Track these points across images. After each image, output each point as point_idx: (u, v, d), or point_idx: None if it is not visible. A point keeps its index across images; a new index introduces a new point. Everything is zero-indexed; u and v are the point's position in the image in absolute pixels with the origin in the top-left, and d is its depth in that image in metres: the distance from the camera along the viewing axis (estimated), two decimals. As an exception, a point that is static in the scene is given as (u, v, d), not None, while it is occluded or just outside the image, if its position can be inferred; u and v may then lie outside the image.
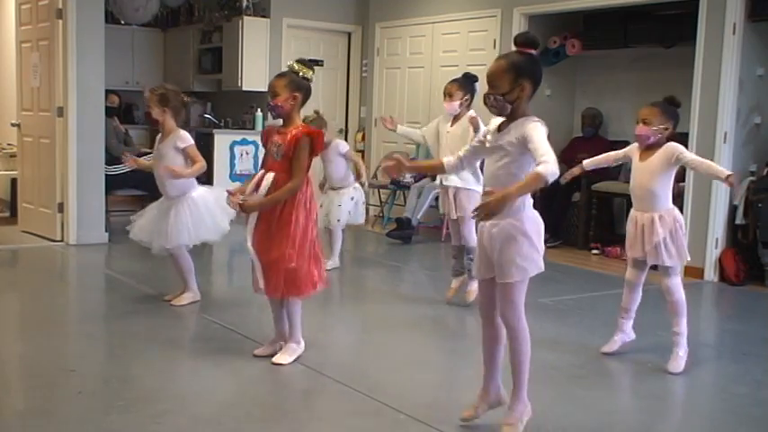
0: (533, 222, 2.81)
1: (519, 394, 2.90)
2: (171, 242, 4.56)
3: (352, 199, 5.82)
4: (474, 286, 4.76)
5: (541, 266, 2.83)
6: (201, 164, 4.53)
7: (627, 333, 4.03)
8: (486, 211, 2.58)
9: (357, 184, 5.92)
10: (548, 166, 2.57)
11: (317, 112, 5.63)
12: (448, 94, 4.89)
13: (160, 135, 4.66)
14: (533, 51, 2.78)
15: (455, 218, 4.85)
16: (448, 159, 3.06)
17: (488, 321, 2.93)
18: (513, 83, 2.73)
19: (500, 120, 2.83)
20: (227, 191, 3.69)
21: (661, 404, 3.59)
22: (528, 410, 2.92)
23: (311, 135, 3.58)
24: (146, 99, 4.60)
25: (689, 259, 3.90)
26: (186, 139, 4.55)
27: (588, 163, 4.13)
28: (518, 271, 2.77)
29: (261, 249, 3.61)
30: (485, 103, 2.80)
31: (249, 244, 3.60)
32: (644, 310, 4.14)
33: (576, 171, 4.14)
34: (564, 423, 3.15)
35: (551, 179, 2.58)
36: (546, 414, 3.20)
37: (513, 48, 2.82)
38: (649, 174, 3.79)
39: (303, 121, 5.53)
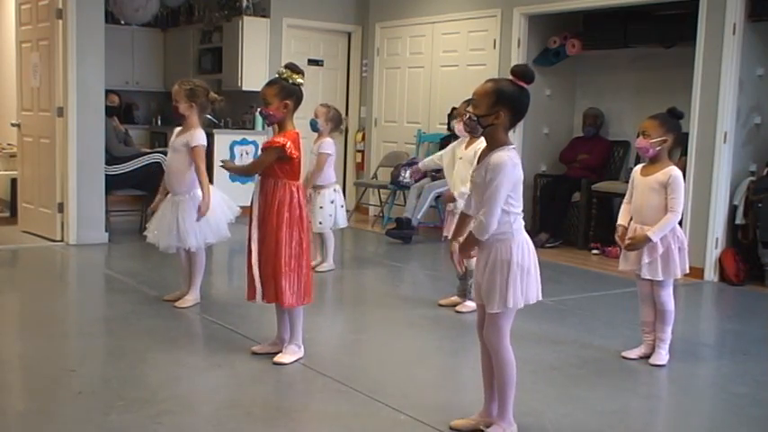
0: (522, 251, 2.77)
1: (503, 415, 2.90)
2: (184, 242, 4.58)
3: (332, 202, 5.72)
4: (469, 303, 4.78)
5: (534, 298, 2.82)
6: (202, 172, 4.53)
7: (651, 347, 3.97)
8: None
9: (337, 186, 5.83)
10: (479, 226, 2.72)
11: (336, 110, 5.74)
12: (460, 115, 4.76)
13: (179, 129, 4.66)
14: (525, 85, 2.76)
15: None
16: (467, 207, 2.97)
17: (484, 342, 2.92)
18: (491, 108, 2.72)
19: (482, 147, 2.86)
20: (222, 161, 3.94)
21: (661, 404, 3.60)
22: (513, 429, 2.91)
23: (283, 147, 3.60)
24: (174, 93, 4.59)
25: (686, 272, 3.89)
26: (198, 138, 4.55)
27: (624, 220, 3.91)
28: (500, 302, 2.76)
29: (257, 258, 3.69)
30: (462, 119, 2.86)
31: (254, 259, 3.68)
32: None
33: (621, 233, 3.91)
34: (564, 423, 3.15)
35: (483, 238, 2.74)
36: (546, 414, 3.21)
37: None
38: (650, 189, 3.77)
39: (327, 106, 5.63)
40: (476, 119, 2.75)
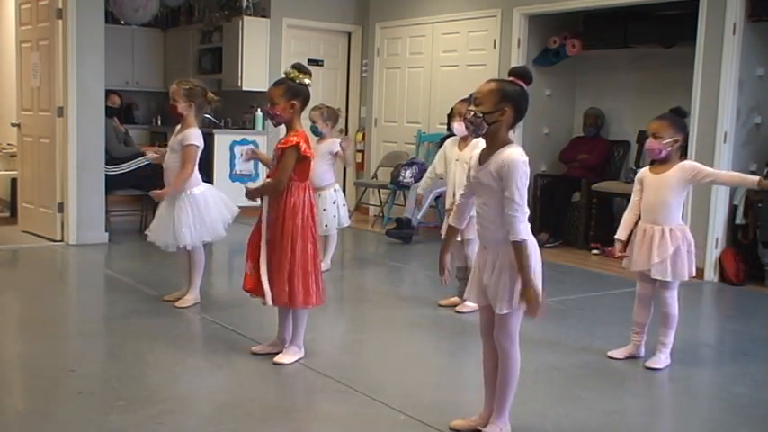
0: (530, 251, 2.78)
1: (500, 415, 2.90)
2: (179, 240, 4.59)
3: (334, 202, 5.71)
4: (469, 304, 4.74)
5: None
6: (185, 171, 4.52)
7: (638, 347, 3.98)
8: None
9: (336, 185, 5.83)
10: (518, 230, 2.69)
11: (327, 107, 5.72)
12: (458, 114, 4.75)
13: (179, 127, 4.67)
14: (525, 85, 2.80)
15: (459, 239, 4.78)
16: (453, 217, 3.05)
17: (489, 342, 2.93)
18: (497, 105, 2.74)
19: (481, 147, 2.86)
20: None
21: (661, 404, 3.60)
22: (507, 429, 2.91)
23: (297, 146, 3.60)
24: (172, 92, 4.58)
25: (693, 275, 3.87)
26: (190, 137, 4.54)
27: (623, 235, 3.94)
28: (511, 303, 2.76)
29: (268, 258, 3.67)
30: (463, 120, 2.85)
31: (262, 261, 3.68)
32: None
33: (619, 249, 3.96)
34: (564, 423, 3.15)
35: (526, 237, 2.71)
36: (546, 414, 3.21)
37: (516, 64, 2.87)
38: (664, 188, 3.77)
39: (318, 108, 5.58)
40: (481, 116, 2.75)
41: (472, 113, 2.77)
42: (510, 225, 2.70)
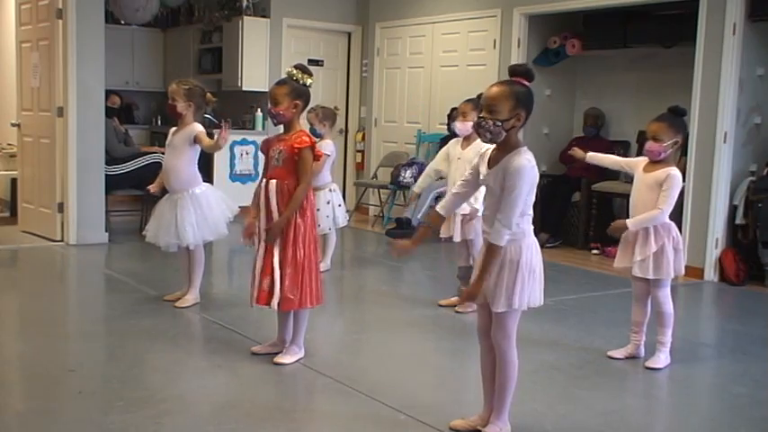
0: (531, 252, 2.78)
1: (500, 415, 2.90)
2: (182, 240, 4.59)
3: (328, 202, 5.72)
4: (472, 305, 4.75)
5: (538, 301, 2.82)
6: (215, 146, 4.56)
7: (638, 347, 3.98)
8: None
9: (333, 185, 5.84)
10: (498, 234, 2.70)
11: (323, 108, 5.71)
12: (462, 114, 4.74)
13: (175, 128, 4.69)
14: (528, 83, 2.76)
15: (459, 240, 4.78)
16: (442, 205, 3.06)
17: (486, 342, 2.93)
18: (513, 110, 2.70)
19: (490, 147, 2.83)
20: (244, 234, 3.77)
21: (661, 404, 3.60)
22: (507, 429, 2.91)
23: (312, 145, 3.64)
24: (171, 92, 4.58)
25: (681, 273, 3.87)
26: (196, 126, 4.60)
27: (592, 156, 4.15)
28: (508, 302, 2.76)
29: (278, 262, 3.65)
30: (477, 127, 2.77)
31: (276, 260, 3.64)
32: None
33: (578, 153, 4.21)
34: (564, 423, 3.15)
35: (502, 244, 2.71)
36: (546, 414, 3.21)
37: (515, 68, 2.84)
38: (645, 188, 3.78)
39: (313, 109, 5.58)
40: (500, 124, 2.69)
41: (491, 122, 2.69)
42: (494, 227, 2.70)
